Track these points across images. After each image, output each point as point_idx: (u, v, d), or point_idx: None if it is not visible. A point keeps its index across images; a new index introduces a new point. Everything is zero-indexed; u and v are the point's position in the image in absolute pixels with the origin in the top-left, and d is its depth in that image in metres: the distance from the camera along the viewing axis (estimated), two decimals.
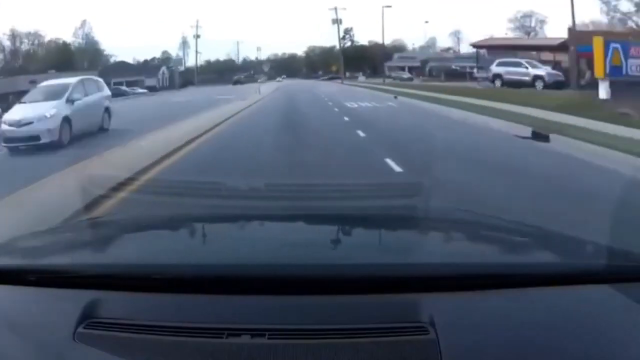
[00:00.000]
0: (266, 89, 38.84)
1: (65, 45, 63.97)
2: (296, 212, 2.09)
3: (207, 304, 1.10)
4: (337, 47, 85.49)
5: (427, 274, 1.17)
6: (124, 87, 46.48)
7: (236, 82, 62.17)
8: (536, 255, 1.45)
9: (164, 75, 66.98)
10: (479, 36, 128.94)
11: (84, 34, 65.93)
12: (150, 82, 57.71)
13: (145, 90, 50.28)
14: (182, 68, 76.13)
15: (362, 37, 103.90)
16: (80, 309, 1.06)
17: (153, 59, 76.11)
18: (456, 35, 75.89)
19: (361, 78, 66.44)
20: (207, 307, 1.08)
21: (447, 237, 1.69)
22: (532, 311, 1.07)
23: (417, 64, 67.50)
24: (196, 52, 69.49)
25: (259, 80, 60.94)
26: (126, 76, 55.06)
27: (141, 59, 73.88)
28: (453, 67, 51.75)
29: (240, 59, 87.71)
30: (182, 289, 1.13)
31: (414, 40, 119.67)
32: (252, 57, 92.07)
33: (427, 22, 75.99)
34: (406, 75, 58.62)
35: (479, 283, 1.14)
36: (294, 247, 1.45)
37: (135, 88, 50.56)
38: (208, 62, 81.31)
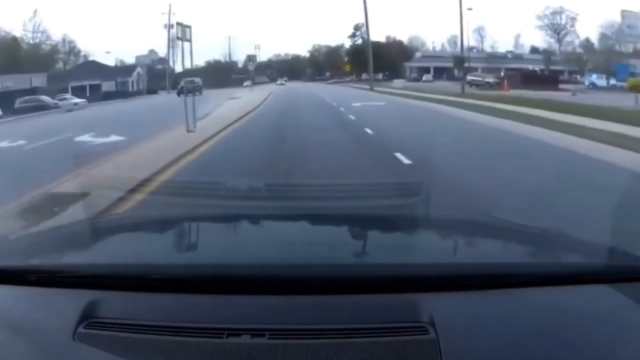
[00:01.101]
0: (236, 106, 21.75)
1: (15, 41, 52.11)
2: (296, 212, 2.09)
3: (207, 304, 1.10)
4: (346, 45, 75.08)
5: (427, 274, 1.17)
6: (44, 97, 33.72)
7: (182, 92, 30.71)
8: (536, 255, 1.45)
9: (139, 77, 56.10)
10: (505, 34, 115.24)
11: (36, 26, 54.25)
12: (109, 86, 46.46)
13: (81, 101, 35.43)
14: (170, 67, 63.45)
15: (374, 34, 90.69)
16: (80, 309, 1.07)
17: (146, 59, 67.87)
18: (480, 32, 67.18)
19: (397, 82, 49.61)
20: (207, 307, 1.08)
21: (447, 237, 1.69)
22: (532, 311, 1.07)
23: (448, 64, 56.24)
24: (168, 47, 56.27)
25: (245, 84, 47.87)
26: (94, 79, 46.05)
27: (130, 60, 65.74)
28: (531, 69, 41.53)
29: (242, 59, 78.65)
30: (182, 289, 1.13)
31: (429, 37, 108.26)
32: (258, 59, 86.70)
33: (470, 9, 62.47)
34: (490, 79, 41.75)
35: (479, 283, 1.14)
36: (294, 247, 1.45)
37: (65, 96, 36.95)
38: (208, 63, 73.87)
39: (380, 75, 62.00)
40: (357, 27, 74.66)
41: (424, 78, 56.95)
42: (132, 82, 54.81)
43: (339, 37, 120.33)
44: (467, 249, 1.52)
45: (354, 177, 6.66)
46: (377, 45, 69.01)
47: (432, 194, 2.66)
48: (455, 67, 51.96)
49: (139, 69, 56.92)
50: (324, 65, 78.53)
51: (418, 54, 70.14)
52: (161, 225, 1.86)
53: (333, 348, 0.95)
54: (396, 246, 1.58)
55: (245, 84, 51.27)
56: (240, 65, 77.89)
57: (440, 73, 59.45)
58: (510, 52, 61.82)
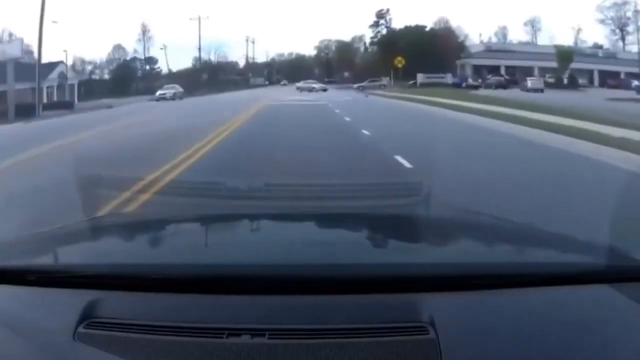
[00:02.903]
0: None
1: None
2: (296, 212, 2.09)
3: (207, 304, 1.10)
4: (367, 37, 57.81)
5: (427, 274, 1.18)
6: None
7: None
8: (536, 255, 1.45)
9: (63, 79, 38.76)
10: (561, 27, 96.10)
11: None
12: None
13: None
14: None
15: (398, 22, 71.66)
16: (80, 309, 1.07)
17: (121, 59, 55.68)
18: (532, 24, 56.12)
19: None
20: (207, 307, 1.09)
21: (447, 237, 1.69)
22: (532, 311, 1.07)
23: (522, 62, 39.67)
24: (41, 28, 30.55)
25: (159, 95, 32.96)
26: None
27: (98, 55, 54.46)
28: None
29: (239, 59, 69.71)
30: (182, 289, 1.13)
31: (470, 29, 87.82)
32: (260, 59, 72.03)
33: None
34: None
35: (479, 283, 1.14)
36: (294, 247, 1.45)
37: None
38: (206, 63, 63.75)
39: (442, 77, 40.49)
40: (380, 14, 59.16)
41: (529, 84, 34.78)
42: (51, 89, 36.17)
43: (351, 30, 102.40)
44: (467, 249, 1.52)
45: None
46: (421, 32, 49.34)
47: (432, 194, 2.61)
48: (560, 64, 40.46)
49: (61, 69, 39.37)
50: (335, 64, 62.66)
51: (477, 47, 51.54)
52: (161, 225, 1.86)
53: (333, 348, 0.95)
54: (396, 246, 1.58)
55: (159, 93, 32.21)
56: (241, 65, 68.63)
57: (511, 74, 41.95)
58: (600, 48, 48.69)
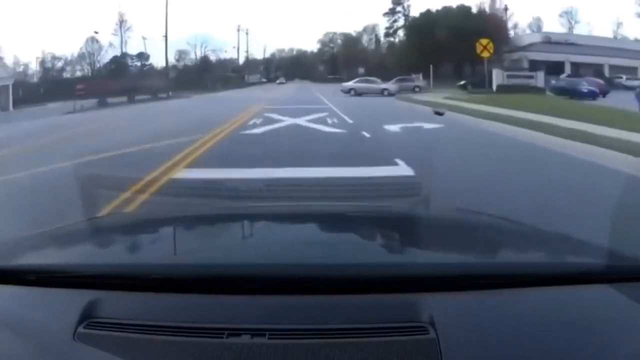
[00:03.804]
0: None
1: None
2: (296, 212, 2.09)
3: (207, 304, 1.10)
4: (380, 27, 49.11)
5: (427, 274, 1.18)
6: None
7: None
8: (536, 255, 1.45)
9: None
10: (599, 20, 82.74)
11: None
12: None
13: None
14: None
15: (418, 7, 62.90)
16: (80, 309, 1.07)
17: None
18: (568, 16, 50.78)
19: None
20: (207, 307, 1.09)
21: (447, 237, 1.69)
22: (532, 311, 1.07)
23: (589, 57, 30.09)
24: None
25: None
26: None
27: (70, 50, 48.55)
28: None
29: (243, 56, 65.61)
30: (182, 289, 1.13)
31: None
32: (259, 55, 69.15)
33: None
34: None
35: (479, 283, 1.14)
36: (294, 246, 1.45)
37: None
38: (205, 60, 60.66)
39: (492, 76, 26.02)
40: (397, 1, 52.19)
41: None
42: None
43: (359, 22, 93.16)
44: (467, 249, 1.52)
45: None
46: (466, 14, 37.23)
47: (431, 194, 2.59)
48: None
49: None
50: (341, 59, 54.57)
51: (530, 37, 39.89)
52: (161, 225, 1.86)
53: (333, 348, 0.95)
54: (396, 246, 1.58)
55: None
56: (241, 62, 64.63)
57: (576, 73, 31.11)
58: None
